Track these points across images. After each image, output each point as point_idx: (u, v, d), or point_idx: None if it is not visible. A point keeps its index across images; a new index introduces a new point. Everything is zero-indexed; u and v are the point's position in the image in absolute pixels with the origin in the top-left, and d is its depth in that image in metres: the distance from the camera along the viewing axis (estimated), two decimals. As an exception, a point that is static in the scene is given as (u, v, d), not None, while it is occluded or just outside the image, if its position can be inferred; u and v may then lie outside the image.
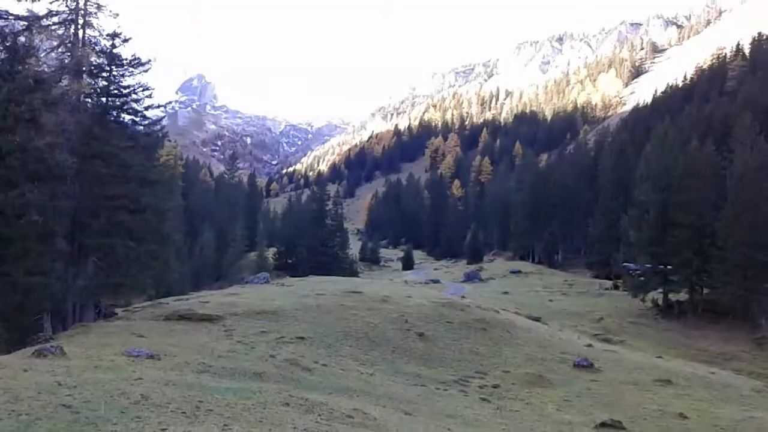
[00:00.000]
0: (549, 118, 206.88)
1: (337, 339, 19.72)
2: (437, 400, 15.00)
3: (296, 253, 78.72)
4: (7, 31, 25.18)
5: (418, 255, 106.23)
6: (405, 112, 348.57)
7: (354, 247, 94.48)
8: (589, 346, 25.44)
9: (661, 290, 45.30)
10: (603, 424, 13.85)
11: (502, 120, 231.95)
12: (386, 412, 12.09)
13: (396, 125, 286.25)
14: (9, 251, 19.87)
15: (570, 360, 21.21)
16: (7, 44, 24.46)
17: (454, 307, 26.32)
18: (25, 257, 20.24)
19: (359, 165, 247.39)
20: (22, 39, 25.17)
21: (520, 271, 71.63)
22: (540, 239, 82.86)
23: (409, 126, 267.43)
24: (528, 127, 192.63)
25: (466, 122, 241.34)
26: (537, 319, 33.40)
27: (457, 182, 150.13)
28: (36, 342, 15.91)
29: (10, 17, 25.43)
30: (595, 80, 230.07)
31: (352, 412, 10.56)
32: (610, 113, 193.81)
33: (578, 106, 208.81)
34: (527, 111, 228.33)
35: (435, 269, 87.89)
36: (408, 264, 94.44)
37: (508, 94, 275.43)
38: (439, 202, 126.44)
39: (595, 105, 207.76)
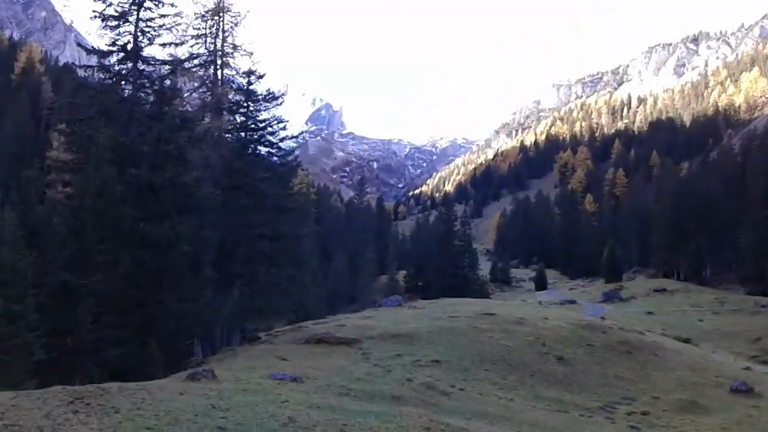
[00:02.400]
0: (687, 123, 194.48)
1: (472, 362, 19.42)
2: (582, 428, 14.30)
3: (426, 275, 78.83)
4: (154, 76, 27.50)
5: (551, 274, 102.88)
6: (530, 127, 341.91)
7: (484, 268, 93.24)
8: (747, 368, 23.33)
9: (828, 306, 40.87)
10: (772, 457, 12.57)
11: (635, 129, 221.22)
12: (529, 438, 11.69)
13: (521, 141, 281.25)
14: (163, 280, 21.43)
15: (726, 384, 19.54)
16: (155, 88, 26.70)
17: (595, 329, 25.15)
18: (178, 285, 21.73)
19: (485, 184, 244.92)
20: (168, 82, 27.36)
21: (664, 289, 67.24)
22: (685, 254, 77.35)
23: (535, 141, 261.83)
24: (665, 135, 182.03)
25: (596, 133, 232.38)
26: (687, 341, 31.15)
27: (589, 197, 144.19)
28: (189, 366, 16.97)
29: (156, 63, 27.73)
30: (736, 80, 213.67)
31: (494, 439, 10.30)
32: (756, 114, 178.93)
33: (719, 109, 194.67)
34: (663, 118, 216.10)
35: (570, 289, 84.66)
36: (541, 284, 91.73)
37: (640, 101, 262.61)
38: (571, 219, 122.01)
39: (739, 107, 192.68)
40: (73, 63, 35.66)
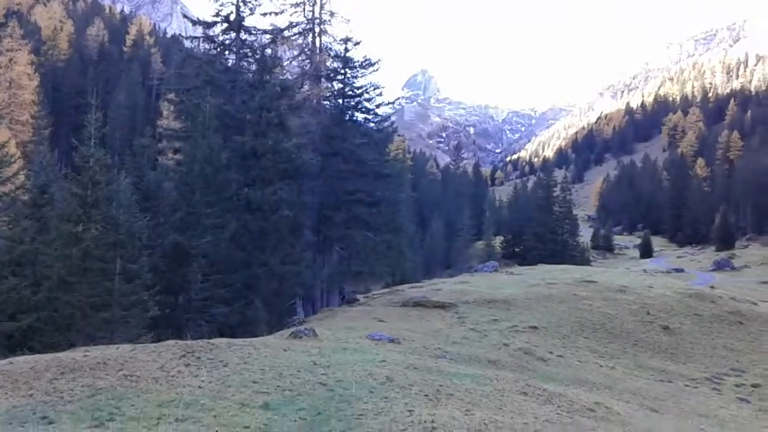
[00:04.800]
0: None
1: (571, 330, 19.06)
2: (686, 398, 13.80)
3: (524, 242, 77.61)
4: (256, 45, 28.23)
5: (657, 242, 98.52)
6: (637, 88, 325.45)
7: (585, 234, 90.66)
8: None
9: None
10: None
11: (752, 89, 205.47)
12: (630, 407, 11.42)
13: (627, 103, 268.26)
14: (266, 243, 22.27)
15: None
16: (257, 57, 27.42)
17: (703, 299, 24.01)
18: (280, 248, 22.53)
19: (587, 148, 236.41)
20: (269, 51, 28.01)
21: (781, 258, 63.06)
22: (806, 221, 72.08)
23: (642, 103, 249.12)
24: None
25: (710, 94, 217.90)
26: (806, 313, 29.15)
27: (700, 161, 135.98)
28: (292, 324, 17.65)
29: (257, 32, 28.43)
30: None
31: (593, 406, 10.12)
32: None
33: None
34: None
35: (678, 257, 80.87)
36: (646, 251, 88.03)
37: (759, 59, 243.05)
38: (680, 184, 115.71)
39: None
40: (180, 35, 37.23)
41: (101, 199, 15.70)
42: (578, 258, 68.71)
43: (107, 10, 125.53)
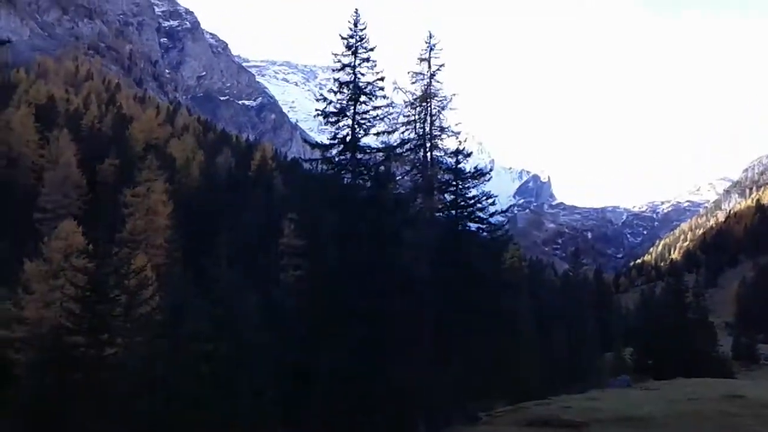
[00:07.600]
0: None
1: (722, 451, 17.14)
2: None
3: (656, 353, 72.32)
4: (370, 163, 29.36)
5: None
6: (766, 184, 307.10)
7: (725, 344, 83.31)
8: None
9: None
10: None
11: None
12: None
13: (757, 200, 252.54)
14: (384, 357, 22.04)
15: None
16: (372, 174, 28.45)
17: None
18: (398, 362, 22.19)
19: (718, 249, 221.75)
20: (382, 168, 29.04)
21: None
22: None
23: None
24: None
25: None
26: None
27: None
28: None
29: (372, 151, 29.62)
30: None
31: None
32: None
33: None
34: None
35: (835, 367, 72.34)
36: (796, 361, 79.59)
37: None
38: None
39: None
40: (299, 157, 39.64)
41: (230, 317, 16.30)
42: (719, 370, 62.91)
43: (234, 139, 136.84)
